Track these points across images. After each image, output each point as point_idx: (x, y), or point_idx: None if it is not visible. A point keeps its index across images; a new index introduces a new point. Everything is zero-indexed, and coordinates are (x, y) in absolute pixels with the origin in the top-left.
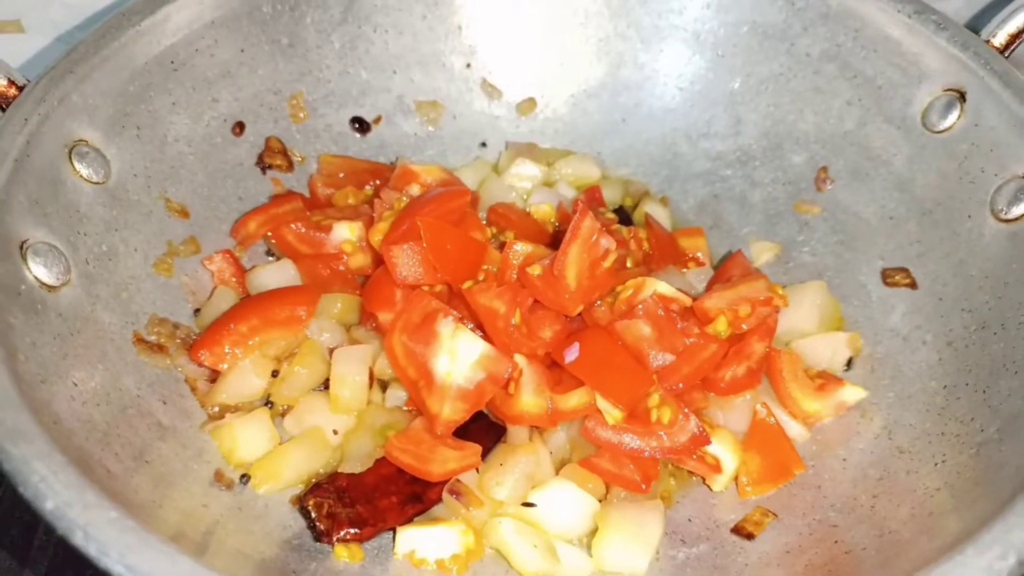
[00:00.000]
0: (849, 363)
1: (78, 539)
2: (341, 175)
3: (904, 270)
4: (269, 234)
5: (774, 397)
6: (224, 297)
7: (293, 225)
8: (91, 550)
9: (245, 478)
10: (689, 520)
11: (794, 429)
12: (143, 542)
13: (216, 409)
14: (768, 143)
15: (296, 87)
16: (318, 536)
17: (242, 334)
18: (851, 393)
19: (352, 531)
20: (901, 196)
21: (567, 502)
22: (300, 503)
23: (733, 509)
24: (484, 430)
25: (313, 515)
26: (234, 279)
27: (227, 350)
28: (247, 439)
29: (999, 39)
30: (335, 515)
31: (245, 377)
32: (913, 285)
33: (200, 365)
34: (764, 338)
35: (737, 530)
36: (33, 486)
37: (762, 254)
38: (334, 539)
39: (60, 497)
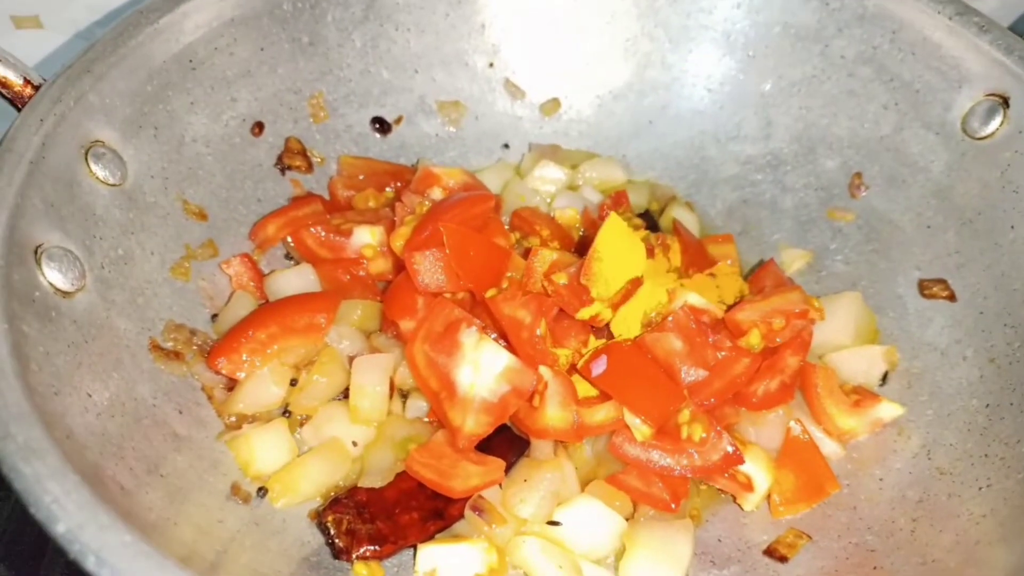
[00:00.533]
0: (884, 378)
1: (91, 564)
2: (361, 177)
3: (942, 281)
4: (288, 238)
5: (807, 413)
6: (242, 302)
7: (313, 229)
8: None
9: (262, 491)
10: (719, 540)
11: (828, 446)
12: (158, 567)
13: (233, 419)
14: (800, 147)
15: (316, 86)
16: (337, 553)
17: (260, 341)
18: (888, 410)
19: (372, 548)
20: (939, 204)
21: (593, 520)
22: (318, 519)
23: (765, 530)
24: (507, 444)
25: (332, 531)
26: (252, 283)
27: (245, 358)
28: (265, 450)
29: None
30: (355, 531)
31: (263, 386)
32: (952, 297)
33: (217, 373)
34: (798, 352)
35: (770, 552)
36: (45, 507)
37: (793, 262)
38: (353, 556)
39: (73, 519)
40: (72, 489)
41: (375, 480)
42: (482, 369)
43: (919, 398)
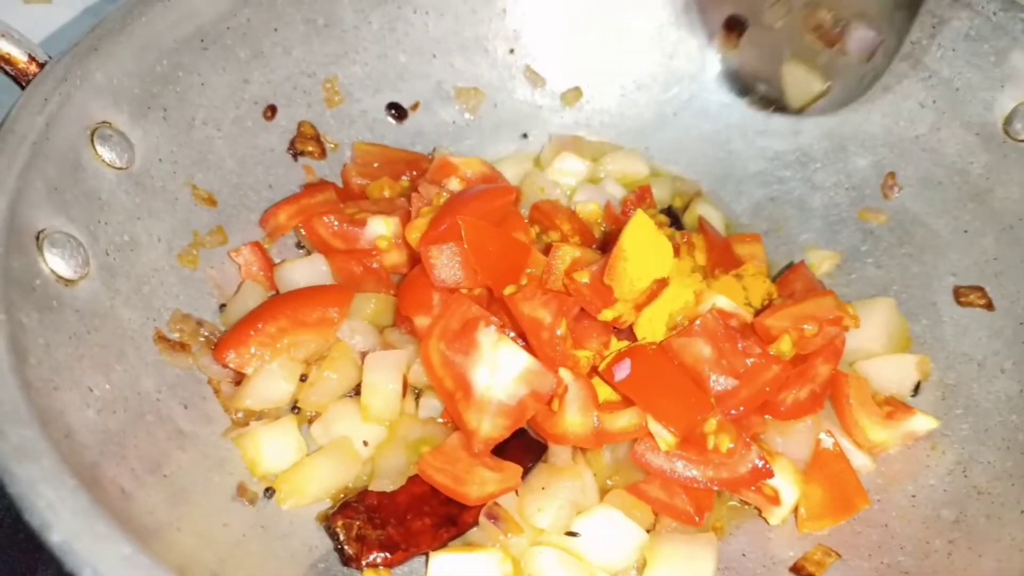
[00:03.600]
0: (917, 388)
1: None
2: (376, 165)
3: (979, 289)
4: (300, 226)
5: (836, 423)
6: (252, 293)
7: (326, 218)
8: None
9: (269, 492)
10: (743, 555)
11: (858, 459)
12: None
13: (240, 415)
14: (831, 144)
15: (331, 70)
16: (346, 560)
17: (270, 335)
18: (922, 422)
19: (382, 555)
20: (977, 208)
21: (613, 532)
22: (327, 523)
23: (791, 545)
24: (524, 448)
25: (341, 537)
26: (262, 273)
27: (254, 351)
28: (273, 448)
29: None
30: (364, 537)
31: (272, 381)
32: (989, 306)
33: (225, 366)
34: (830, 360)
35: (797, 569)
36: (39, 513)
37: (821, 263)
38: (363, 563)
39: (68, 528)
40: (68, 495)
41: (386, 483)
42: (500, 370)
43: (954, 411)
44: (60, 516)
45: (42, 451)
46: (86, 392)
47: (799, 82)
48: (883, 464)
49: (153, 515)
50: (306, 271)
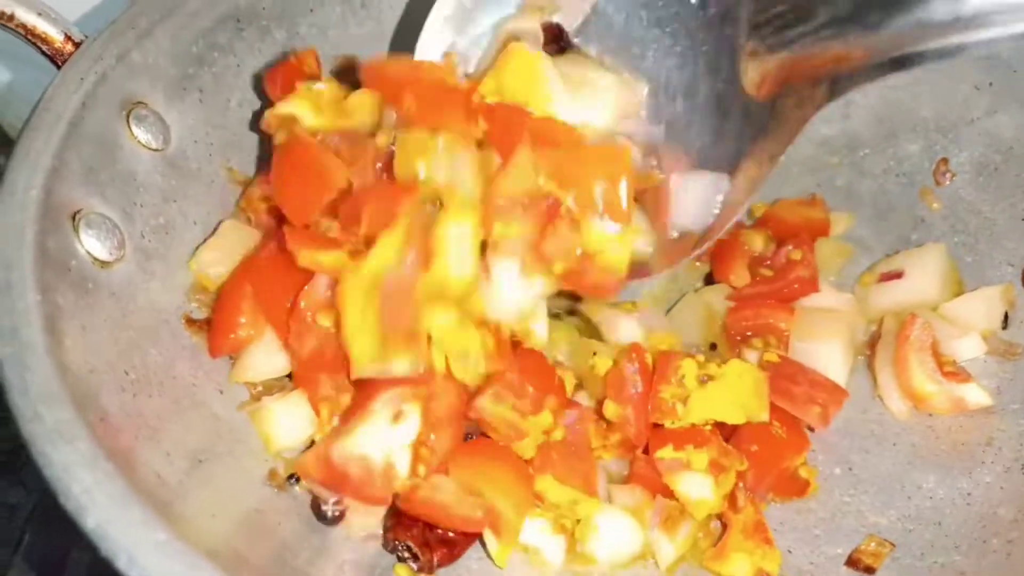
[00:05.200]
0: (1006, 320)
1: (122, 563)
2: None
3: None
4: None
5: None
6: (233, 230)
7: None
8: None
9: (293, 478)
10: (789, 552)
11: (896, 403)
12: (195, 570)
13: (259, 388)
14: (881, 129)
15: (368, 52)
16: (421, 568)
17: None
18: (975, 393)
19: (444, 551)
20: None
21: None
22: (386, 542)
23: (836, 539)
24: None
25: (414, 550)
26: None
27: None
28: (286, 424)
29: None
30: (427, 541)
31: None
32: None
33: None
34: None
35: (853, 563)
36: (75, 497)
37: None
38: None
39: (104, 513)
40: (104, 479)
41: None
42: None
43: (1010, 406)
44: (96, 501)
45: (78, 434)
46: (122, 375)
47: None
48: (934, 458)
49: (188, 502)
50: None
